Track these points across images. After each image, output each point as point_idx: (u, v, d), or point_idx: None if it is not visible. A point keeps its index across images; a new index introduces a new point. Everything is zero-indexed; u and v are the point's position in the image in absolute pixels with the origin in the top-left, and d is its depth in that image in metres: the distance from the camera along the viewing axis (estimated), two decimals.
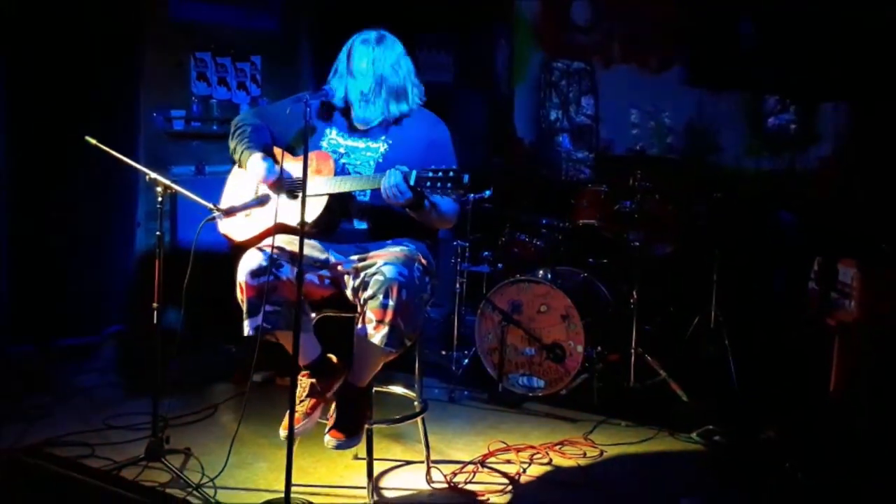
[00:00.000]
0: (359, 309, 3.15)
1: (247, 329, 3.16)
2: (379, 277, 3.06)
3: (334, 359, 3.38)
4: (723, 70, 5.47)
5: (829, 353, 4.09)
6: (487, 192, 4.86)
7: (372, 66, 3.32)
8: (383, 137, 3.39)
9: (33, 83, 4.47)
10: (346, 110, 3.45)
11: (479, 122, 6.39)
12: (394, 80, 3.35)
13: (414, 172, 3.08)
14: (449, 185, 3.03)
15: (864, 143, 5.00)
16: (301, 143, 3.12)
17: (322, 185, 3.25)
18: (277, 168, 3.32)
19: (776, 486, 3.62)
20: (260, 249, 3.19)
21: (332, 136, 3.44)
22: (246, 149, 3.39)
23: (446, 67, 6.40)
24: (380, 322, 3.06)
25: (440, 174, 3.04)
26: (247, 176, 3.43)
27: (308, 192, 3.03)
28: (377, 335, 3.07)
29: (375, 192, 3.20)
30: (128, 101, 4.86)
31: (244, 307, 3.16)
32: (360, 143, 3.41)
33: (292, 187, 3.35)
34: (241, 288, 3.16)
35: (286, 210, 3.28)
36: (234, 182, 3.56)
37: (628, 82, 5.84)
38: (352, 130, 3.44)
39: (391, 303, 3.04)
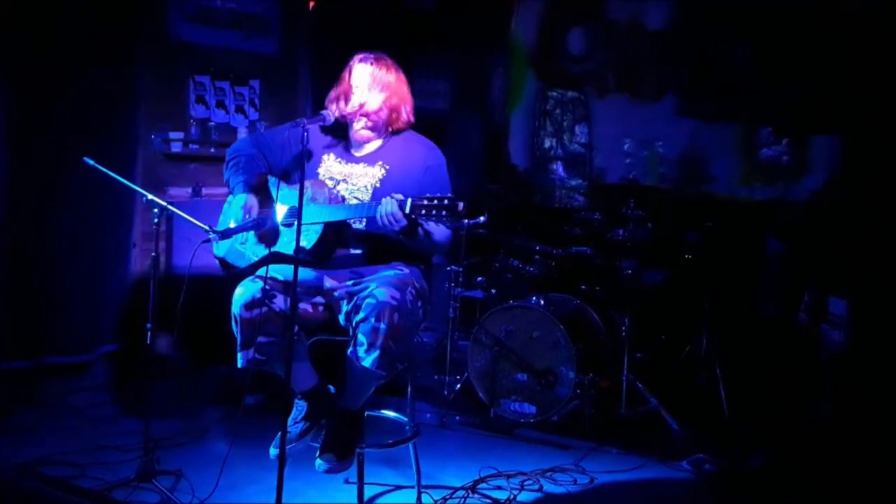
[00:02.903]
0: (351, 332, 3.16)
1: (241, 361, 3.16)
2: (371, 301, 3.07)
3: (331, 388, 3.38)
4: (716, 101, 5.52)
5: (820, 383, 4.11)
6: (482, 218, 4.87)
7: (371, 84, 3.36)
8: (380, 162, 3.41)
9: (32, 102, 4.48)
10: (343, 134, 3.48)
11: (475, 148, 6.43)
12: (393, 99, 3.38)
13: (409, 200, 3.07)
14: (444, 213, 3.01)
15: (855, 176, 5.05)
16: (298, 169, 3.12)
17: (317, 214, 3.25)
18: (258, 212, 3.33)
19: None
20: (254, 280, 3.19)
21: (330, 162, 3.45)
22: (238, 184, 3.40)
23: (443, 95, 6.45)
24: (371, 345, 3.07)
25: (435, 202, 3.02)
26: None
27: (303, 220, 3.03)
28: (368, 358, 3.08)
29: (370, 219, 3.20)
30: (126, 121, 4.87)
31: (238, 339, 3.16)
32: (358, 169, 3.42)
33: (287, 216, 3.34)
34: (235, 320, 3.15)
35: (281, 239, 3.29)
36: (230, 207, 3.57)
37: (622, 112, 5.89)
38: (349, 155, 3.46)
39: (383, 326, 3.04)
